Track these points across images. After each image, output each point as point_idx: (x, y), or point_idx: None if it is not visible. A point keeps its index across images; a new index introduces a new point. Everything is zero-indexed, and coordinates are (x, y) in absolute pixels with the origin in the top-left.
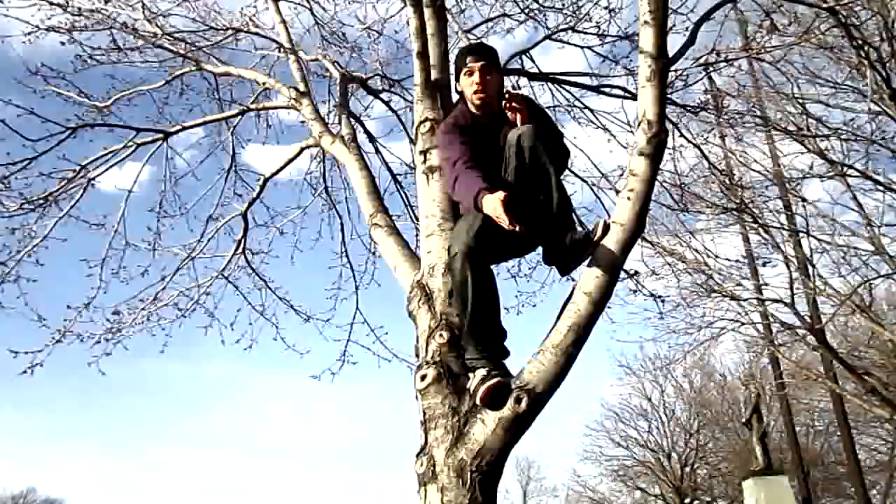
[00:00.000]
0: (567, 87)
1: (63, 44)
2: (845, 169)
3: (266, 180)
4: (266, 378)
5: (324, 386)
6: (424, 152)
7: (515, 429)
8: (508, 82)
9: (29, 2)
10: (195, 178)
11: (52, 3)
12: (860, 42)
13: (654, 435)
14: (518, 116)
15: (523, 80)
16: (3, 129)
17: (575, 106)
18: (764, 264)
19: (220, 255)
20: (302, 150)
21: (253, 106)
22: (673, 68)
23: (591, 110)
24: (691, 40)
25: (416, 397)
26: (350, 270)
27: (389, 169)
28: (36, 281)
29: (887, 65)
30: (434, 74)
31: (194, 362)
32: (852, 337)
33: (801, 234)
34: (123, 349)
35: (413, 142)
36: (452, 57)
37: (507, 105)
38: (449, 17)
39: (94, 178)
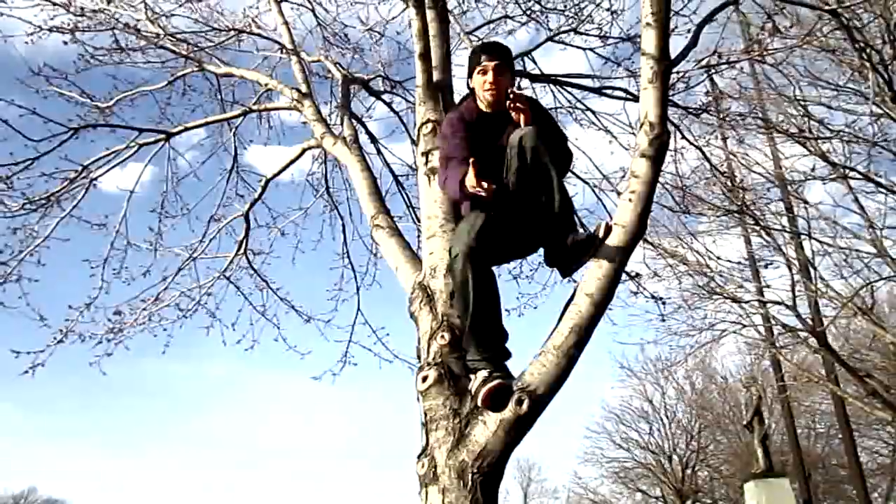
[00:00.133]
0: (569, 89)
1: (66, 44)
2: (847, 171)
3: (268, 181)
4: (267, 379)
5: (325, 387)
6: (426, 153)
7: (517, 430)
8: None
9: (32, 2)
10: (197, 178)
11: (54, 4)
12: (862, 44)
13: (655, 437)
14: (521, 117)
15: (525, 82)
16: (5, 129)
17: (577, 107)
18: (766, 266)
19: (222, 256)
20: (304, 151)
21: (255, 107)
22: (675, 70)
23: (593, 112)
24: (693, 42)
25: (418, 399)
26: (351, 271)
27: (391, 170)
28: (38, 281)
29: (889, 67)
30: (436, 76)
31: (195, 362)
32: (854, 339)
33: (802, 237)
34: (125, 349)
35: (415, 143)
36: (455, 58)
37: (511, 105)
38: (451, 18)
39: (96, 179)
